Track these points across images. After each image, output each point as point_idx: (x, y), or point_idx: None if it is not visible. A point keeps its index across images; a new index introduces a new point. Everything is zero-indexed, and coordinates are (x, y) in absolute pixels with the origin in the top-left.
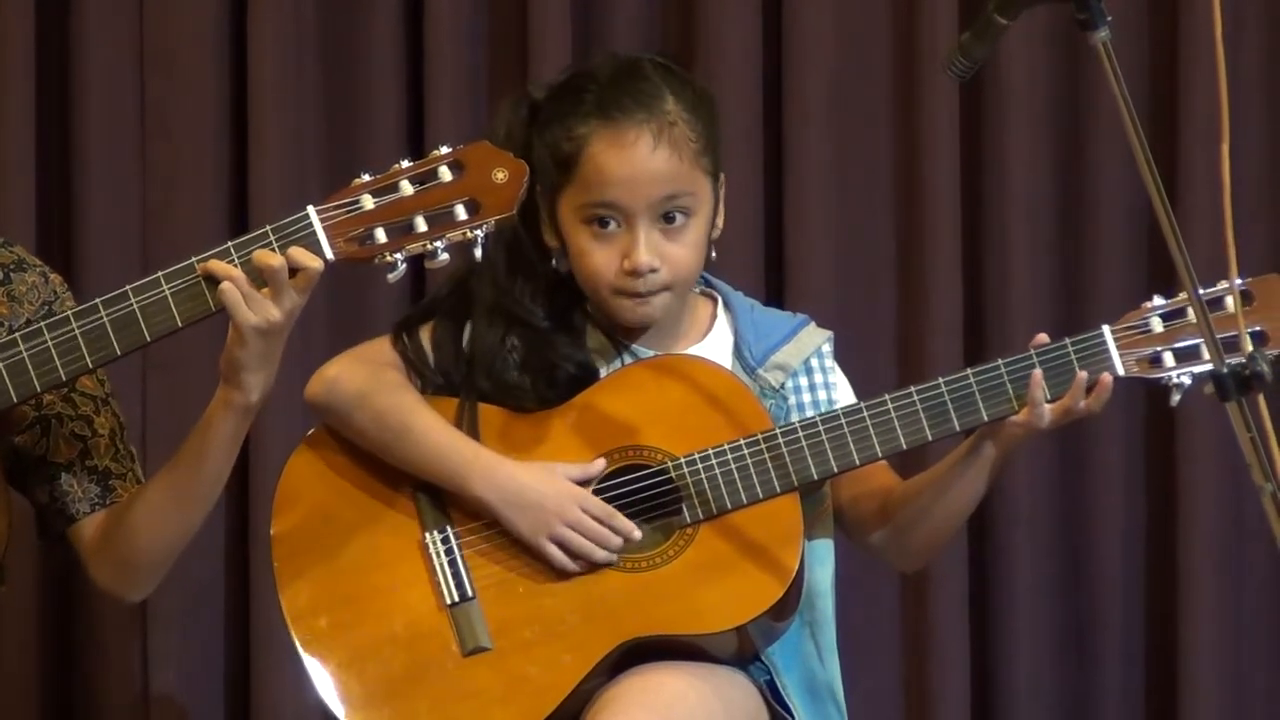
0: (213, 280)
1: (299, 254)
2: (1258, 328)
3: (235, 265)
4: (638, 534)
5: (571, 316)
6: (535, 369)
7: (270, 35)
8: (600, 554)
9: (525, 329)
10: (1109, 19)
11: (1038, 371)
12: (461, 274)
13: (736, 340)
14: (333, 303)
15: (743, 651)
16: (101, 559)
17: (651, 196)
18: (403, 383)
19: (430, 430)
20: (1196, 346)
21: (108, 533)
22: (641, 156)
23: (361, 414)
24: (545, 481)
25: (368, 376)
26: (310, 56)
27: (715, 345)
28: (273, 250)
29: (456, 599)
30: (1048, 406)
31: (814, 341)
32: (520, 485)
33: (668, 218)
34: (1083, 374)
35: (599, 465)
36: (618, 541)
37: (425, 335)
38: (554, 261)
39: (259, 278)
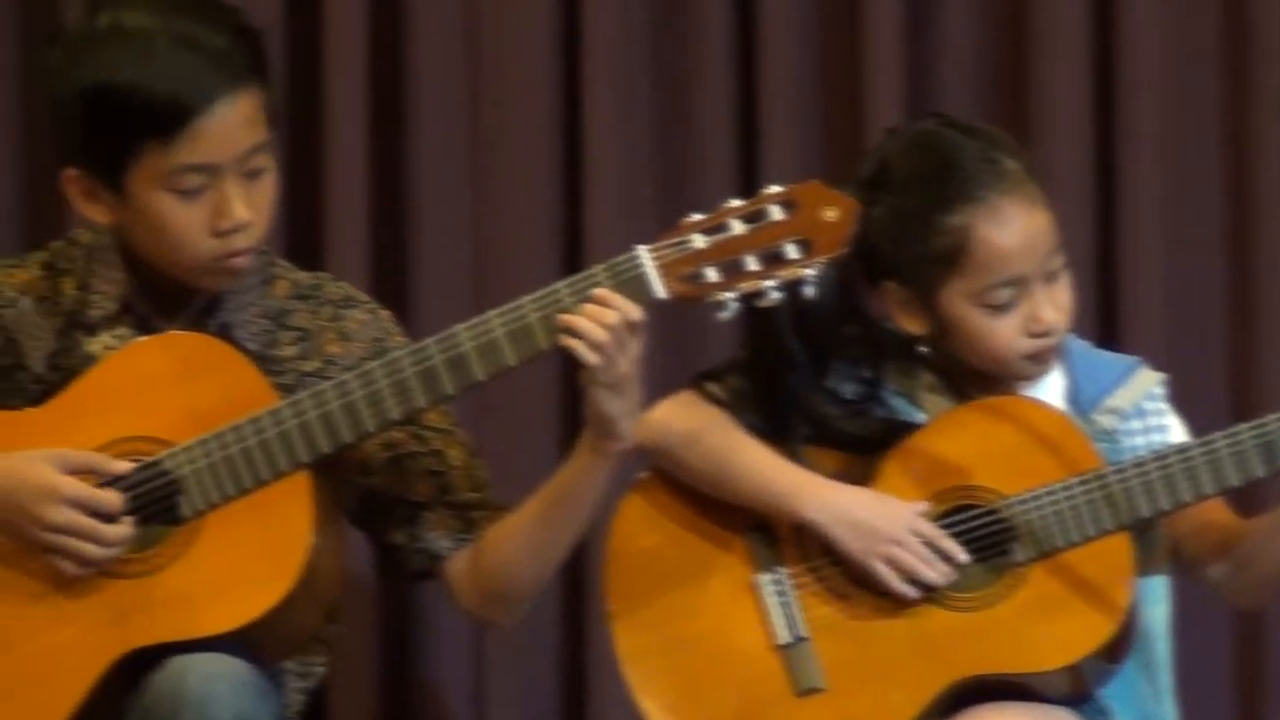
0: (557, 326)
1: (619, 302)
2: None
3: (572, 309)
4: (964, 557)
5: (890, 371)
6: (853, 438)
7: (603, 70)
8: (928, 572)
9: (836, 412)
10: None
11: None
12: (762, 341)
13: (1070, 384)
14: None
15: (1076, 691)
16: (471, 592)
17: (1042, 255)
18: (730, 420)
19: (760, 459)
20: None
21: (476, 567)
22: (1024, 222)
23: (693, 452)
24: (875, 504)
25: (697, 416)
26: (643, 93)
27: (1049, 388)
28: (603, 288)
29: (789, 640)
30: None
31: (1146, 385)
32: (849, 504)
33: (1051, 272)
34: None
35: (923, 507)
36: (945, 565)
37: (731, 386)
38: (911, 345)
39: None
